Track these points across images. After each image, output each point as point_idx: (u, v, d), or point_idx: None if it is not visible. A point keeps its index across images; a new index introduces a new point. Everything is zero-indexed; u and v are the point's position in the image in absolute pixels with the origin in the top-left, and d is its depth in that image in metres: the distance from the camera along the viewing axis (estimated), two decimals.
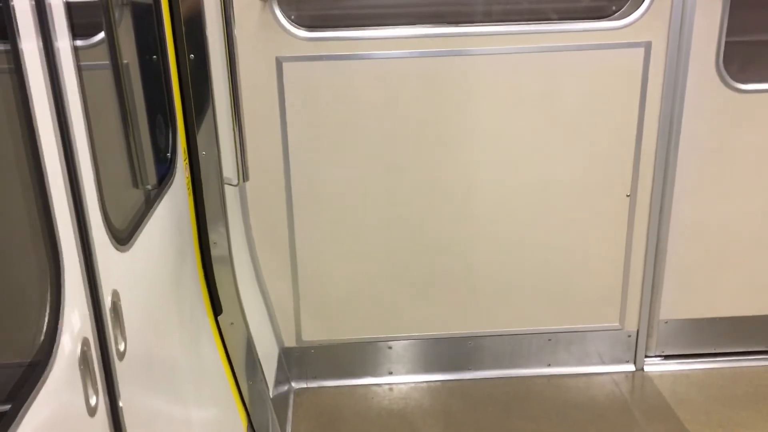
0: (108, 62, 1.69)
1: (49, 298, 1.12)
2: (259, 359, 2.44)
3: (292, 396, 2.98)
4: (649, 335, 3.08)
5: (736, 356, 3.11)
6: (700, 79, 2.69)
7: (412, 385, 3.04)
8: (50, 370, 1.07)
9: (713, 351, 3.12)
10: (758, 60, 2.86)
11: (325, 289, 2.92)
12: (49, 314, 1.11)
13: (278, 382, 2.85)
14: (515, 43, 2.63)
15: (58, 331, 1.11)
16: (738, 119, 2.77)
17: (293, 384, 3.04)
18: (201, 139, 2.13)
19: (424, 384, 3.04)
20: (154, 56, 1.94)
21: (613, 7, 2.65)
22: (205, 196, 2.17)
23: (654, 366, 3.11)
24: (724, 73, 2.69)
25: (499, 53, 2.64)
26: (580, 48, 2.64)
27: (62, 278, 1.14)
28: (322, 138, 2.70)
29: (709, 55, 2.67)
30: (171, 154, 2.01)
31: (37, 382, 1.04)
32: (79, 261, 1.22)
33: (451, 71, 2.65)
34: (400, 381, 3.06)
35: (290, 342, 3.00)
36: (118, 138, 1.72)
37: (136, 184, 1.78)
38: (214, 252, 2.23)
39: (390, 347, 3.04)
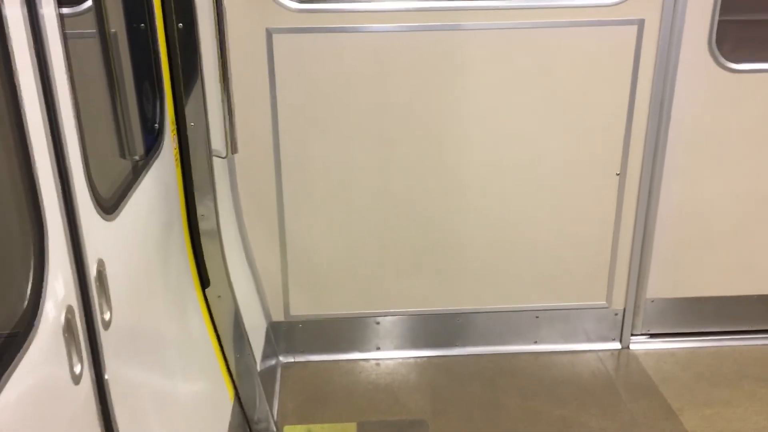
0: (95, 30, 1.67)
1: (32, 263, 1.11)
2: (246, 333, 2.44)
3: (279, 370, 2.98)
4: (635, 314, 3.10)
5: (721, 335, 3.14)
6: (693, 57, 2.68)
7: (400, 360, 3.05)
8: (34, 337, 1.07)
9: (699, 330, 3.15)
10: (751, 39, 2.85)
11: (313, 263, 2.92)
12: (33, 280, 1.10)
13: (266, 356, 2.85)
14: (508, 18, 2.61)
15: (42, 297, 1.10)
16: (730, 99, 2.76)
17: (281, 358, 3.04)
18: (189, 110, 2.10)
19: (412, 360, 3.06)
20: (142, 25, 1.91)
21: None
22: (193, 168, 2.15)
23: (640, 344, 3.14)
24: (717, 52, 2.68)
25: (491, 28, 2.61)
26: (572, 24, 2.62)
27: (46, 244, 1.13)
28: (312, 111, 2.67)
29: (701, 34, 2.66)
30: (159, 125, 1.99)
31: (20, 348, 1.03)
32: (64, 228, 1.21)
33: (443, 46, 2.63)
34: (388, 356, 3.07)
35: (278, 316, 3.00)
36: (105, 108, 1.70)
37: (123, 154, 1.76)
38: (202, 225, 2.21)
39: (378, 322, 3.04)
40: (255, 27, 2.54)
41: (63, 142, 1.22)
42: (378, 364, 3.03)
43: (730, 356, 3.05)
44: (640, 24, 2.62)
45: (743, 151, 2.86)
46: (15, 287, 1.10)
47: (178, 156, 2.13)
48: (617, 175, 2.84)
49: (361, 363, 3.03)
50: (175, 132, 2.10)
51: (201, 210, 2.20)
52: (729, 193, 2.92)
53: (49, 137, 1.17)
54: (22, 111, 1.08)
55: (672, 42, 2.65)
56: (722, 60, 2.70)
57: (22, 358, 1.03)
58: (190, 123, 2.11)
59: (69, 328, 1.19)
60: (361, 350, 3.07)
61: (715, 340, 3.13)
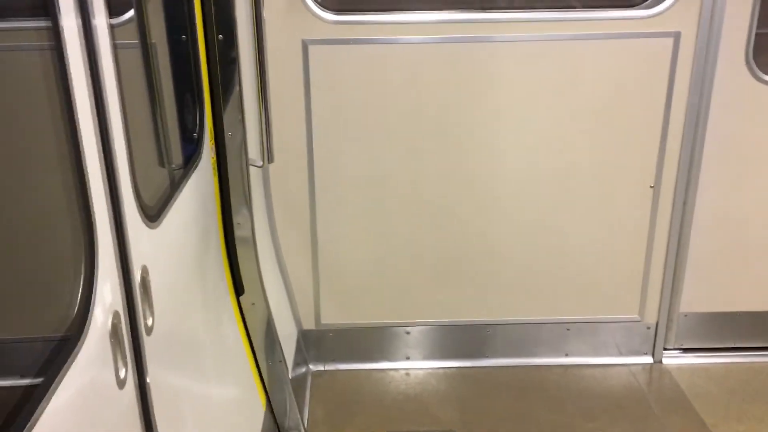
0: (137, 41, 1.70)
1: (83, 270, 1.14)
2: (279, 340, 2.46)
3: (309, 378, 3.00)
4: (668, 328, 3.07)
5: (755, 351, 3.09)
6: (729, 70, 2.66)
7: (429, 370, 3.05)
8: (84, 342, 1.09)
9: (733, 345, 3.11)
10: None
11: (344, 272, 2.94)
12: (83, 287, 1.13)
13: (296, 364, 2.87)
14: (541, 30, 2.61)
15: (92, 303, 1.13)
16: (766, 112, 2.74)
17: (311, 366, 3.06)
18: (227, 120, 2.14)
19: (441, 370, 3.06)
20: (183, 36, 1.95)
21: None
22: (230, 177, 2.18)
23: (672, 359, 3.10)
24: (754, 65, 2.66)
25: (524, 40, 2.62)
26: (607, 37, 2.61)
27: (96, 251, 1.16)
28: (346, 121, 2.70)
29: (738, 47, 2.64)
30: (198, 135, 2.02)
31: (71, 352, 1.06)
32: (112, 235, 1.24)
33: (476, 58, 2.64)
34: (417, 366, 3.07)
35: (309, 324, 3.02)
36: (148, 118, 1.74)
37: (164, 164, 1.79)
38: (238, 233, 2.24)
39: (408, 332, 3.05)
40: (292, 39, 2.57)
41: (112, 151, 1.25)
42: (408, 374, 3.03)
43: (764, 372, 3.01)
44: (677, 36, 2.61)
45: None
46: (66, 293, 1.13)
47: (215, 165, 2.16)
48: (651, 187, 2.82)
49: (391, 373, 3.04)
50: (213, 142, 2.13)
51: (237, 218, 2.23)
52: (765, 206, 2.88)
53: (100, 147, 1.20)
54: (75, 120, 1.11)
55: (708, 55, 2.63)
56: (759, 73, 2.67)
57: (72, 362, 1.06)
58: (228, 133, 2.14)
59: (115, 333, 1.22)
60: (390, 360, 3.08)
61: (749, 356, 3.09)
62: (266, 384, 2.45)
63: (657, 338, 3.08)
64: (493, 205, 2.85)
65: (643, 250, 2.93)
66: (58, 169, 1.15)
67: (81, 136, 1.12)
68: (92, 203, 1.15)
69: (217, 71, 2.07)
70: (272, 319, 2.43)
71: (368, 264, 2.93)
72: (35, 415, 0.93)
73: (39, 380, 0.99)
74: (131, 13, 1.67)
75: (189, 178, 1.85)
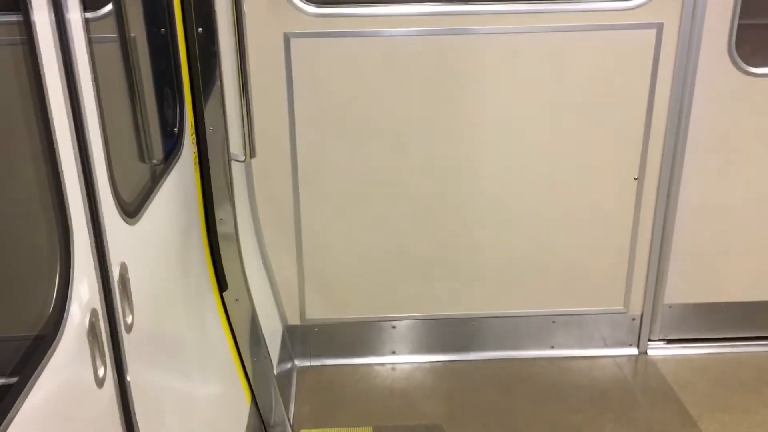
0: (116, 35, 1.68)
1: (58, 267, 1.11)
2: (263, 336, 2.45)
3: (295, 374, 2.99)
4: (653, 319, 3.08)
5: (740, 341, 3.11)
6: (712, 62, 2.67)
7: (415, 365, 3.05)
8: (60, 340, 1.07)
9: (717, 336, 3.12)
10: None
11: (329, 267, 2.92)
12: (59, 284, 1.11)
13: (282, 360, 2.85)
14: (524, 22, 2.60)
15: (68, 300, 1.11)
16: (749, 104, 2.74)
17: (296, 362, 3.05)
18: (208, 114, 2.11)
19: (427, 364, 3.05)
20: (162, 30, 1.92)
21: None
22: (212, 172, 2.16)
23: (657, 350, 3.11)
24: (737, 56, 2.67)
25: (507, 32, 2.61)
26: (590, 28, 2.61)
27: (72, 248, 1.13)
28: (328, 115, 2.68)
29: (721, 38, 2.64)
30: (178, 129, 2.00)
31: (46, 351, 1.04)
32: (88, 231, 1.22)
33: (459, 50, 2.63)
34: (403, 361, 3.06)
35: (294, 320, 3.01)
36: (126, 112, 1.71)
37: (143, 159, 1.77)
38: (221, 228, 2.22)
39: (393, 327, 3.04)
40: (273, 31, 2.55)
41: (88, 146, 1.22)
42: (393, 369, 3.03)
43: (749, 362, 3.03)
44: (659, 28, 2.61)
45: (763, 155, 2.84)
46: (41, 291, 1.11)
47: (197, 160, 2.13)
48: (635, 179, 2.83)
49: (377, 367, 3.03)
50: (194, 136, 2.11)
51: (219, 214, 2.21)
52: (748, 197, 2.90)
53: (75, 142, 1.18)
54: (49, 116, 1.09)
55: (691, 46, 2.63)
56: (742, 64, 2.68)
57: (48, 360, 1.04)
58: (209, 127, 2.12)
59: (93, 331, 1.20)
60: (376, 354, 3.07)
61: (734, 346, 3.11)
62: (251, 380, 2.44)
63: (642, 329, 3.09)
64: (478, 198, 2.84)
65: (628, 241, 2.93)
66: (32, 165, 1.12)
67: (55, 132, 1.10)
68: (67, 199, 1.13)
69: (197, 65, 2.05)
70: (256, 315, 2.41)
71: (353, 258, 2.91)
72: (9, 415, 0.91)
73: (13, 380, 0.97)
74: (110, 6, 1.65)
75: (169, 174, 1.83)
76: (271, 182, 2.77)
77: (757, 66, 2.69)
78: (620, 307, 3.06)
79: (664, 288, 3.02)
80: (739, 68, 2.68)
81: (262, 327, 2.46)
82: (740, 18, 2.61)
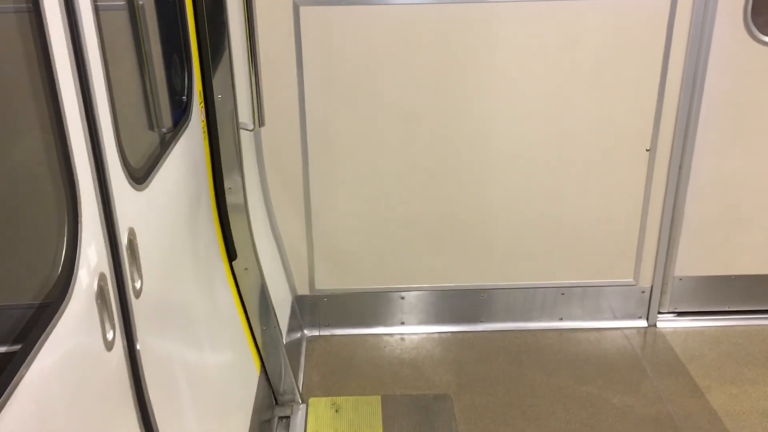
0: (124, 2, 1.67)
1: (66, 232, 1.12)
2: (272, 306, 2.46)
3: (304, 343, 3.01)
4: (662, 291, 3.07)
5: (750, 314, 3.11)
6: (727, 31, 2.62)
7: (424, 335, 3.06)
8: (68, 304, 1.08)
9: (727, 309, 3.12)
10: None
11: (338, 237, 2.93)
12: (67, 248, 1.11)
13: (291, 330, 2.87)
14: None
15: (76, 265, 1.11)
16: (764, 74, 2.70)
17: (306, 331, 3.07)
18: (217, 82, 2.10)
19: (436, 335, 3.06)
20: None
21: None
22: (220, 141, 2.15)
23: (667, 322, 3.11)
24: (752, 25, 2.62)
25: (520, 1, 2.57)
26: None
27: (79, 213, 1.14)
28: (338, 84, 2.66)
29: (737, 7, 2.59)
30: (187, 97, 1.99)
31: (54, 315, 1.05)
32: (96, 196, 1.22)
33: (470, 19, 2.59)
34: (412, 331, 3.08)
35: (303, 290, 3.02)
36: (134, 80, 1.71)
37: (152, 126, 1.77)
38: (229, 198, 2.22)
39: (402, 297, 3.05)
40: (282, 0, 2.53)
41: (95, 112, 1.22)
42: (402, 339, 3.04)
43: (758, 335, 3.02)
44: None
45: None
46: (50, 255, 1.12)
47: (205, 129, 2.13)
48: (647, 150, 2.80)
49: (386, 337, 3.05)
50: (202, 104, 2.10)
51: (228, 183, 2.21)
52: (761, 169, 2.87)
53: (82, 108, 1.18)
54: (56, 82, 1.08)
55: (706, 15, 2.59)
56: (758, 33, 2.63)
57: (56, 324, 1.04)
58: (218, 96, 2.11)
59: (102, 295, 1.20)
60: (385, 325, 3.08)
61: (743, 319, 3.10)
62: (260, 349, 2.45)
63: (651, 302, 3.08)
64: (488, 168, 2.83)
65: (639, 213, 2.92)
66: (39, 131, 1.12)
67: (62, 98, 1.10)
68: (75, 164, 1.13)
69: (205, 33, 2.03)
70: (266, 285, 2.42)
71: (363, 228, 2.91)
72: (17, 377, 0.92)
73: (20, 344, 0.98)
74: None
75: (177, 142, 1.83)
76: (280, 151, 2.76)
77: None
78: (630, 279, 3.05)
79: (674, 260, 3.01)
80: (754, 38, 2.64)
81: (272, 297, 2.47)
82: None
